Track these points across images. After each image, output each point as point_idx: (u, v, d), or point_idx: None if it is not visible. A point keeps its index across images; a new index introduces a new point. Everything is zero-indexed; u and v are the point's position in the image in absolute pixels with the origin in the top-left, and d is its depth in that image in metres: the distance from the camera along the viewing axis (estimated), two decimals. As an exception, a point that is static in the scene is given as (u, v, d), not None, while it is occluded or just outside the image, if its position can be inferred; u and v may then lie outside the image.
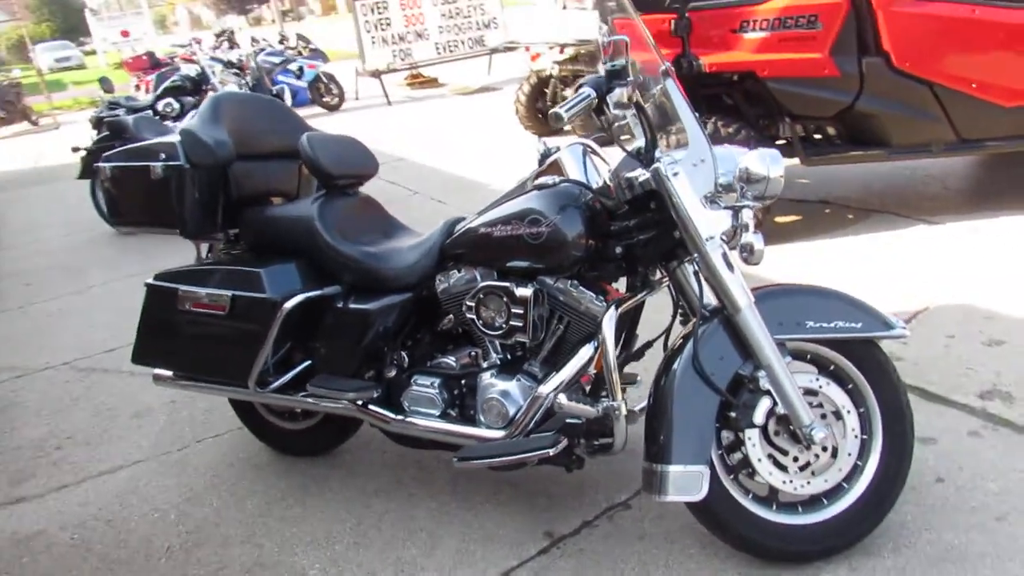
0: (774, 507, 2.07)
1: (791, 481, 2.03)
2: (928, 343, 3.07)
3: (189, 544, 2.53)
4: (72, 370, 4.02)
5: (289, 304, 2.38)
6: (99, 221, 6.49)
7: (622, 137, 2.09)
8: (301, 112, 11.87)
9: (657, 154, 2.00)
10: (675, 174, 1.95)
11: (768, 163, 1.92)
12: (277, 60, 13.23)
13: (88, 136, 7.12)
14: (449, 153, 7.98)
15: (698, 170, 1.97)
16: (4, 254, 6.67)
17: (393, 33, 13.15)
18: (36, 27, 46.85)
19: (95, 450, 3.20)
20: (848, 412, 2.05)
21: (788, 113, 4.26)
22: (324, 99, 13.25)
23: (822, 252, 4.17)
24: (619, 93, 1.92)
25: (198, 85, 8.11)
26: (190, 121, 2.59)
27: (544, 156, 2.32)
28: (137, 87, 15.16)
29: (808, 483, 2.04)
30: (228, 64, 6.99)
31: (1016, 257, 3.72)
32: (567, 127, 2.16)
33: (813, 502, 2.08)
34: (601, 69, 1.93)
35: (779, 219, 4.75)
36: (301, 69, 13.19)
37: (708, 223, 1.95)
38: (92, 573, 2.46)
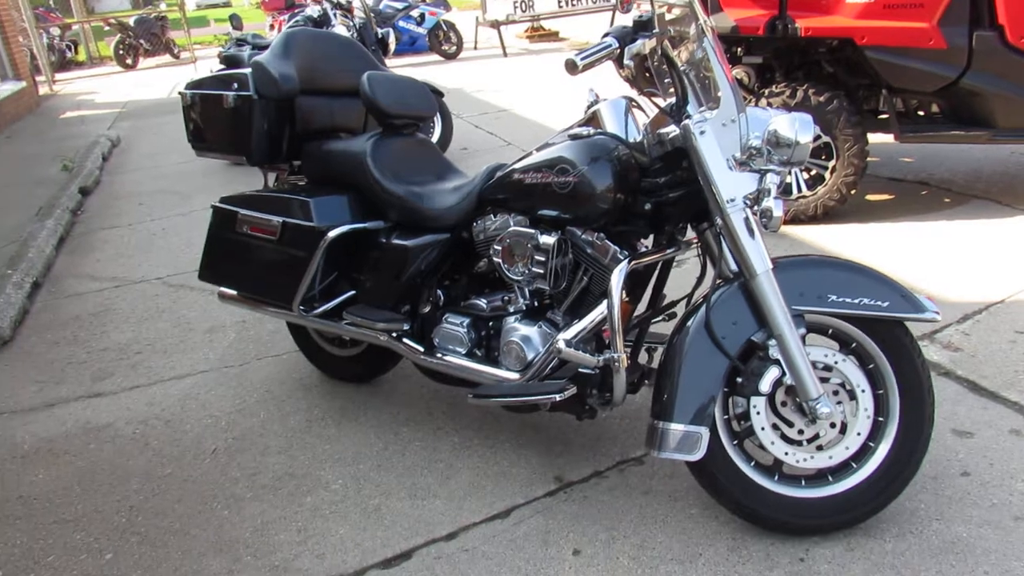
0: (776, 478, 2.05)
1: (794, 453, 2.01)
2: (992, 336, 2.91)
3: (233, 449, 2.73)
4: (163, 285, 4.34)
5: (333, 233, 2.50)
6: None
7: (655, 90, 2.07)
8: (419, 59, 12.17)
9: (689, 110, 1.98)
10: (702, 132, 1.92)
11: (797, 128, 1.87)
12: (400, 6, 13.47)
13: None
14: (553, 107, 7.96)
15: (727, 130, 1.93)
16: (127, 176, 7.16)
17: (517, -16, 13.12)
18: (189, -36, 49.10)
19: (169, 358, 3.46)
20: (863, 391, 2.00)
21: (887, 85, 4.04)
22: (443, 47, 13.43)
23: (906, 233, 3.98)
24: (640, 44, 1.90)
25: (319, 25, 8.39)
26: (263, 55, 2.72)
27: (590, 106, 2.33)
28: (271, 27, 15.76)
29: (812, 457, 2.01)
30: (337, 6, 7.18)
31: (1119, 257, 3.46)
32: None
33: (818, 477, 2.05)
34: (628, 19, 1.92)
35: (870, 197, 4.55)
36: (422, 16, 13.41)
37: (731, 184, 1.92)
38: (146, 465, 2.69)
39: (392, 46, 6.66)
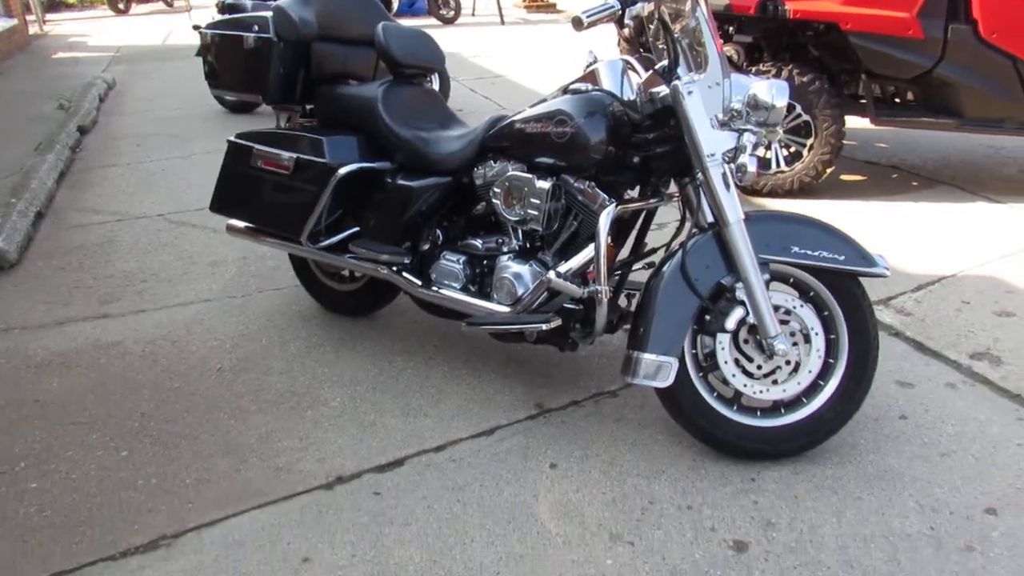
0: (735, 408, 2.29)
1: (752, 386, 2.25)
2: (942, 304, 3.18)
3: (237, 368, 2.94)
4: (164, 221, 4.51)
5: (343, 171, 2.69)
6: (210, 98, 6.98)
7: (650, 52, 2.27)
8: (416, 21, 12.29)
9: (679, 72, 2.19)
10: (690, 93, 2.13)
11: (774, 93, 2.08)
12: (400, -33, 13.53)
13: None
14: (548, 75, 8.14)
15: (712, 92, 2.14)
16: (124, 119, 7.25)
17: (517, -46, 13.19)
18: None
19: (173, 287, 3.65)
20: (816, 334, 2.25)
21: (866, 70, 4.27)
22: (441, 11, 13.50)
23: (875, 211, 4.24)
24: (640, 7, 2.11)
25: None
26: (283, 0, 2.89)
27: (589, 66, 2.53)
28: (266, -21, 15.71)
29: (768, 390, 2.26)
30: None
31: (1066, 242, 3.75)
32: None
33: (773, 409, 2.30)
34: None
35: (845, 177, 4.81)
36: (422, -22, 13.46)
37: (712, 141, 2.14)
38: (155, 379, 2.89)
39: (395, 5, 6.78)
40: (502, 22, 12.91)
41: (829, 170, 4.39)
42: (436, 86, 6.01)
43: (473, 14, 14.06)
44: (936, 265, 3.53)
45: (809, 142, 4.31)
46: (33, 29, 13.83)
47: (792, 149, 4.39)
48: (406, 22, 12.78)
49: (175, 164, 5.66)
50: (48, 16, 16.06)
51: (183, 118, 7.05)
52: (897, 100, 4.58)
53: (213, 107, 7.21)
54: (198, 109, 7.31)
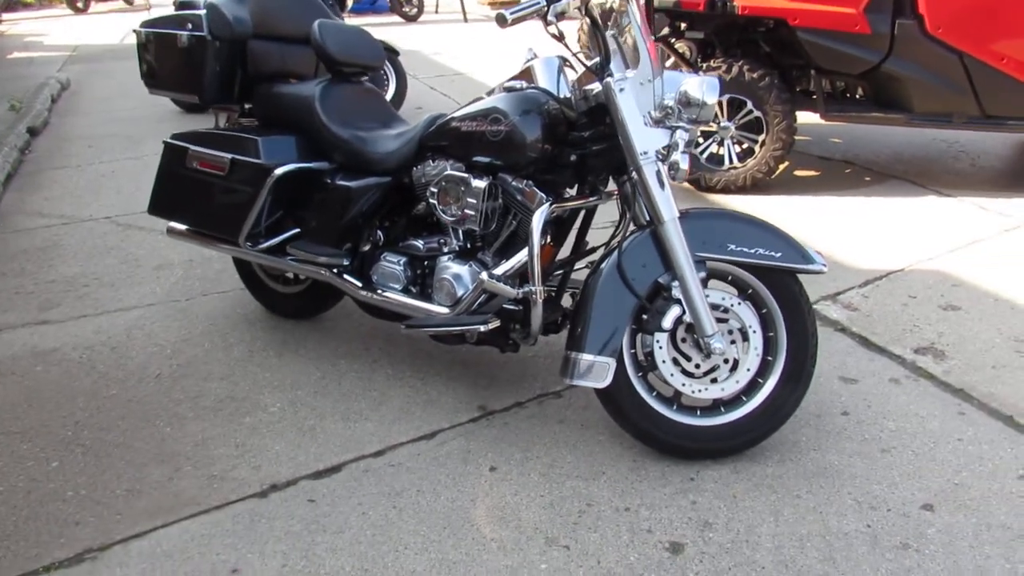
0: (674, 407, 2.27)
1: (691, 385, 2.24)
2: (888, 299, 3.19)
3: (177, 374, 2.87)
4: (111, 224, 4.41)
5: (279, 171, 2.64)
6: (165, 99, 6.86)
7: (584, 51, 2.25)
8: (378, 19, 12.15)
9: (612, 69, 2.16)
10: (621, 90, 2.11)
11: (705, 90, 2.07)
12: (362, -36, 13.40)
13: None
14: (508, 72, 8.07)
15: (644, 89, 2.12)
16: (78, 119, 7.11)
17: (482, -50, 13.14)
18: (146, -91, 47.51)
19: (116, 291, 3.57)
20: (754, 332, 2.23)
21: (816, 66, 4.29)
22: (403, 9, 13.41)
23: (827, 206, 4.25)
24: (564, 4, 2.08)
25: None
26: (219, -3, 2.83)
27: (526, 63, 2.50)
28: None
29: (706, 389, 2.24)
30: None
31: (1006, 236, 3.78)
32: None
33: (712, 408, 2.28)
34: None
35: (798, 172, 4.82)
36: (384, -24, 13.36)
37: (645, 139, 2.12)
38: (92, 385, 2.82)
39: (350, 2, 6.72)
40: (465, 19, 12.84)
41: (782, 166, 4.40)
42: (392, 83, 5.96)
43: (436, 11, 13.98)
44: (884, 260, 3.54)
45: (761, 138, 4.32)
46: (-12, 29, 13.56)
47: (744, 145, 4.39)
48: (368, 20, 12.74)
49: (126, 166, 5.55)
50: (4, 16, 15.73)
51: (138, 119, 6.92)
52: (847, 95, 4.60)
53: (168, 107, 7.08)
54: (153, 110, 7.18)
